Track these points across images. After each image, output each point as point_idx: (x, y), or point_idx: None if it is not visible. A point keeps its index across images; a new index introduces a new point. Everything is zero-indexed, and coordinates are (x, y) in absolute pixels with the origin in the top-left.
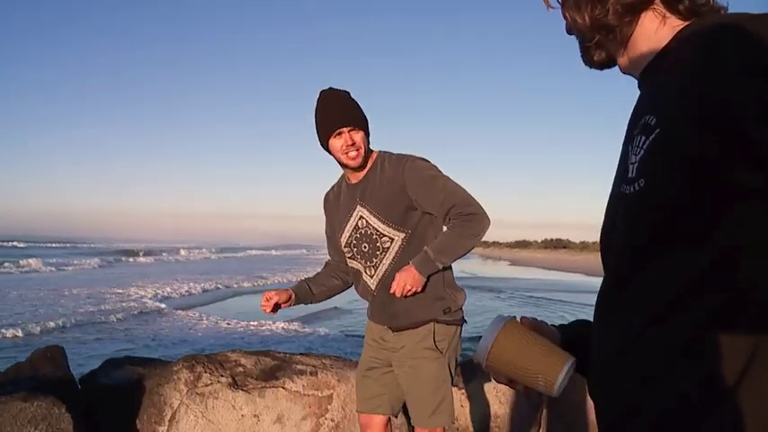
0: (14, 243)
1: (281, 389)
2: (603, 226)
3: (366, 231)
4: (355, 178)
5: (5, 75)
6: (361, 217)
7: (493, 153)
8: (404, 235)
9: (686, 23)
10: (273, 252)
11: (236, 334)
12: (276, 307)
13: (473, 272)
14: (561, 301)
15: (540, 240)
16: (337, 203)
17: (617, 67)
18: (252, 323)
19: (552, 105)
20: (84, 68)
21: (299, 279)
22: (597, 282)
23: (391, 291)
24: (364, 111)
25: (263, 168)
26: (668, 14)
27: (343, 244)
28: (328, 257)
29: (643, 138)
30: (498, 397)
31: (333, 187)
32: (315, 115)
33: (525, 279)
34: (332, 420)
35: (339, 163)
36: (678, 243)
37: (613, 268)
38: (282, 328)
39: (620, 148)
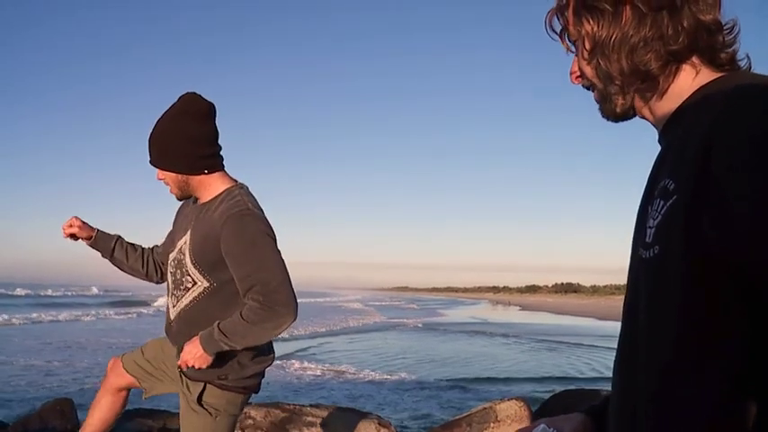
0: (48, 291)
1: None
2: (627, 285)
3: (182, 259)
4: (202, 199)
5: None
6: (186, 243)
7: (501, 196)
8: (207, 285)
9: (713, 78)
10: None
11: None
12: (73, 236)
13: (483, 317)
14: (576, 345)
15: (550, 285)
16: (185, 215)
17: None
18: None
19: (561, 148)
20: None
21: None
22: (608, 325)
23: (179, 362)
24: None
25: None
26: (702, 68)
27: (170, 258)
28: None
29: (662, 202)
30: None
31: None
32: None
33: (536, 324)
34: None
35: None
36: (682, 318)
37: (630, 332)
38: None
39: (639, 202)
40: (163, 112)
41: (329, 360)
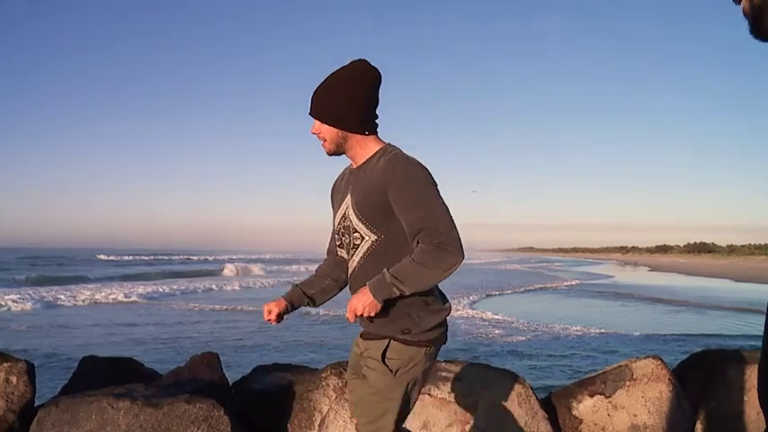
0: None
1: (426, 395)
2: None
3: (347, 223)
4: (356, 164)
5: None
6: (348, 206)
7: (628, 152)
8: (375, 237)
9: None
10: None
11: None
12: (279, 317)
13: (613, 278)
14: (710, 307)
15: (682, 244)
16: (340, 186)
17: None
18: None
19: (697, 102)
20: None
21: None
22: (745, 288)
23: (346, 315)
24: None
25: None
26: None
27: (334, 230)
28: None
29: None
30: (647, 406)
31: (344, 170)
32: None
33: (668, 285)
34: (477, 427)
35: None
36: None
37: None
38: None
39: None
40: (332, 71)
41: (484, 319)
